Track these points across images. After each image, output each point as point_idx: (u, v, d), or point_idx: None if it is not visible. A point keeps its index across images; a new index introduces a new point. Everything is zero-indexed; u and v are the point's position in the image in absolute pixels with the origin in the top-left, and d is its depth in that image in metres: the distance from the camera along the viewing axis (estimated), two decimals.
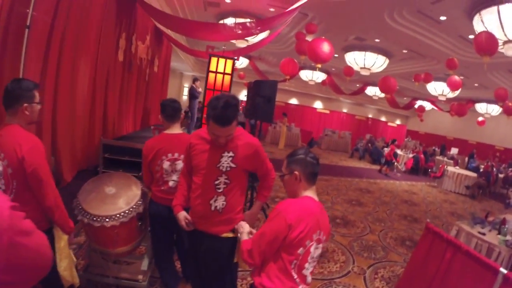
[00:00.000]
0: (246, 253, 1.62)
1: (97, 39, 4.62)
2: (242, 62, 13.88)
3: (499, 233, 4.19)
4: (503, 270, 2.67)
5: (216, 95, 1.96)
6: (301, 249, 1.57)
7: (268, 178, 2.24)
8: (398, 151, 14.08)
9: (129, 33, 5.69)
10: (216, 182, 2.03)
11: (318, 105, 22.06)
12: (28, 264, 0.82)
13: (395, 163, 12.99)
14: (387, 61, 9.52)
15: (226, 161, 2.01)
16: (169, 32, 7.84)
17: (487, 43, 4.74)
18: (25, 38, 3.13)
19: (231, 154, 2.01)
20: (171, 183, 2.52)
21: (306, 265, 1.62)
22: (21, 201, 0.87)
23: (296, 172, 1.67)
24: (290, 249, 1.56)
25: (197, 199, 2.08)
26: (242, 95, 18.37)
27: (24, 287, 0.87)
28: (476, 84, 11.43)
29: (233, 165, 2.01)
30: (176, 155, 2.51)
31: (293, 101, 21.53)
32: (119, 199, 2.55)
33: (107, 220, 2.38)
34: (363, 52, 9.29)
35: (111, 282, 2.80)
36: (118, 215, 2.41)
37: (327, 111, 22.25)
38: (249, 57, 13.82)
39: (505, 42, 4.99)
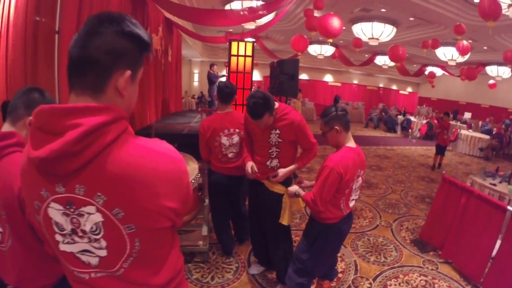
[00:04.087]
0: (311, 202, 2.10)
1: None
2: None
3: (508, 184, 4.62)
4: (510, 208, 3.13)
5: (252, 92, 2.44)
6: (347, 190, 2.12)
7: (311, 152, 2.66)
8: (412, 118, 14.35)
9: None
10: (270, 151, 2.58)
11: (328, 78, 22.19)
12: (189, 201, 0.98)
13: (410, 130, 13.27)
14: (395, 29, 9.51)
15: (274, 137, 2.52)
16: (178, 21, 7.92)
17: (490, 8, 4.97)
18: (56, 42, 3.52)
19: (277, 131, 2.50)
20: (230, 155, 3.00)
21: (350, 198, 2.20)
22: None
23: (336, 127, 2.09)
24: (340, 191, 2.08)
25: (256, 162, 2.65)
26: (255, 75, 18.51)
27: (180, 219, 0.97)
28: (485, 47, 11.36)
29: (280, 140, 2.52)
30: (231, 130, 2.94)
31: (303, 76, 21.55)
32: None
33: None
34: (370, 23, 9.27)
35: None
36: None
37: (339, 84, 22.38)
38: (255, 37, 13.86)
39: (509, 5, 5.22)
